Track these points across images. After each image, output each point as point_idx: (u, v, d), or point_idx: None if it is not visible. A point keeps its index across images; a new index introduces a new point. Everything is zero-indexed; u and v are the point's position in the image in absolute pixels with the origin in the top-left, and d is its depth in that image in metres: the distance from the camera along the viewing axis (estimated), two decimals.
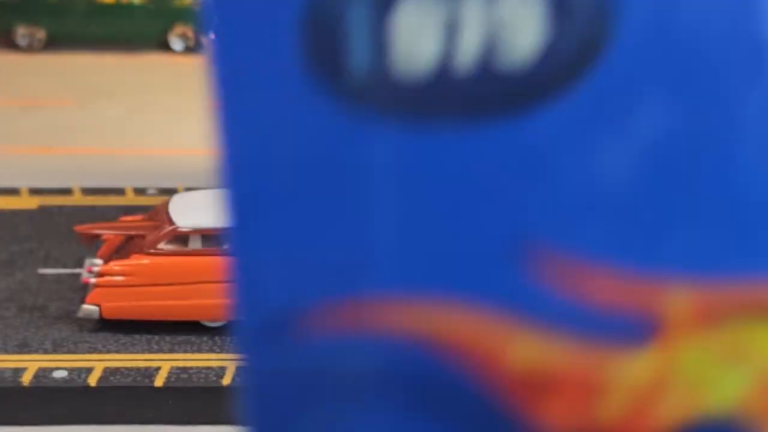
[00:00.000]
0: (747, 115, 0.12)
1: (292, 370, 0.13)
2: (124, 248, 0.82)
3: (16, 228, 0.87)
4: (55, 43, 1.35)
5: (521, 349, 0.13)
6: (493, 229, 0.13)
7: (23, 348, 0.75)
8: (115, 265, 0.80)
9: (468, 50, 0.12)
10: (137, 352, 0.76)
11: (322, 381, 0.13)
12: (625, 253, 0.13)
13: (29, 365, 0.70)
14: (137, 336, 0.78)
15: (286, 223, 0.13)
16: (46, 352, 0.73)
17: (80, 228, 0.83)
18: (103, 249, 0.83)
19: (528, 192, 0.13)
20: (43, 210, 0.91)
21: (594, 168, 0.13)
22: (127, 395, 0.73)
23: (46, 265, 0.85)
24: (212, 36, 0.12)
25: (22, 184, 0.89)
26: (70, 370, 0.72)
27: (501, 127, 0.12)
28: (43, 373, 0.70)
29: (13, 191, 0.90)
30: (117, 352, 0.76)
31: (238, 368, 0.13)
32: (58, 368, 0.72)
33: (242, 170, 0.13)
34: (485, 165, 0.12)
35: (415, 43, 0.12)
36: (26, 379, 0.69)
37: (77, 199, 0.96)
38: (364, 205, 0.13)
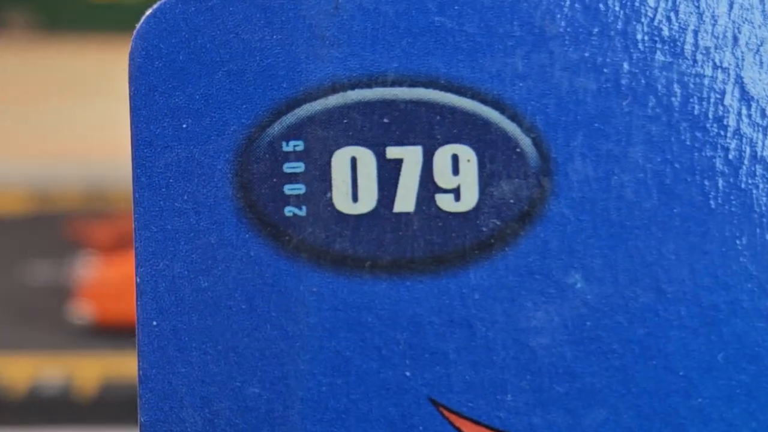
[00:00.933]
0: (682, 288, 0.13)
1: None
2: (122, 247, 0.76)
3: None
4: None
5: None
6: (409, 387, 0.13)
7: (14, 351, 0.66)
8: (110, 266, 0.74)
9: (405, 198, 0.12)
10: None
11: None
12: (540, 429, 0.13)
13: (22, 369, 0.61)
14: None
15: (209, 364, 0.13)
16: (37, 355, 0.63)
17: (73, 226, 0.77)
18: (99, 248, 0.77)
19: (449, 352, 0.13)
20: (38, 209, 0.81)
21: (519, 335, 0.13)
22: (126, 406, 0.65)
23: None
24: (138, 179, 0.12)
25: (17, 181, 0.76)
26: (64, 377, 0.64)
27: (428, 280, 0.13)
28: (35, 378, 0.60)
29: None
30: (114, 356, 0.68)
31: None
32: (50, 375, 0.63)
33: (160, 303, 0.13)
34: (408, 318, 0.13)
35: (350, 187, 0.12)
36: (19, 384, 0.59)
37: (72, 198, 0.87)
38: (284, 354, 0.13)
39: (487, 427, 0.13)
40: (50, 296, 0.73)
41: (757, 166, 0.13)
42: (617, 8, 0.13)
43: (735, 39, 0.13)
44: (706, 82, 0.13)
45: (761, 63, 0.13)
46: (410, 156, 0.13)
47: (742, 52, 0.13)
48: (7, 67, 0.85)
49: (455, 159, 0.13)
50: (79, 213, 0.86)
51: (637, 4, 0.13)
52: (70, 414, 0.62)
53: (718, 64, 0.13)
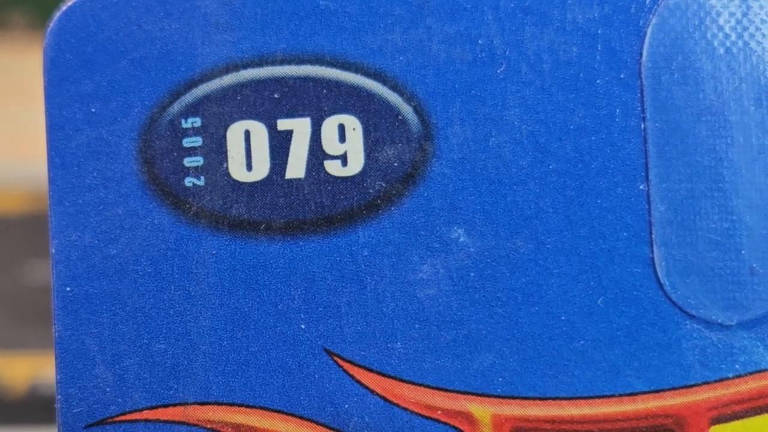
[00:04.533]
0: (559, 237, 0.14)
1: None
2: None
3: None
4: None
5: None
6: (304, 339, 0.13)
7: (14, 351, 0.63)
8: None
9: (296, 165, 0.14)
10: None
11: None
12: (432, 372, 0.13)
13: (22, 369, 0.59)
14: None
15: (118, 324, 0.14)
16: (37, 355, 0.61)
17: None
18: None
19: (341, 305, 0.14)
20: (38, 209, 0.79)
21: (407, 287, 0.14)
22: None
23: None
24: (52, 160, 0.14)
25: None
26: None
27: (319, 239, 0.14)
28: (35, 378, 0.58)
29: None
30: None
31: None
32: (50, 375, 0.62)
33: (73, 270, 0.14)
34: (301, 275, 0.13)
35: (245, 157, 0.13)
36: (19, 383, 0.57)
37: None
38: (187, 312, 0.14)
39: (379, 373, 0.13)
40: (50, 296, 0.71)
41: (629, 121, 0.14)
42: None
43: (601, 6, 0.14)
44: (575, 49, 0.14)
45: (628, 24, 0.14)
46: (299, 127, 0.14)
47: (610, 20, 0.14)
48: (8, 67, 0.85)
49: (341, 128, 0.14)
50: None
51: None
52: None
53: (586, 31, 0.14)
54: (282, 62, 0.14)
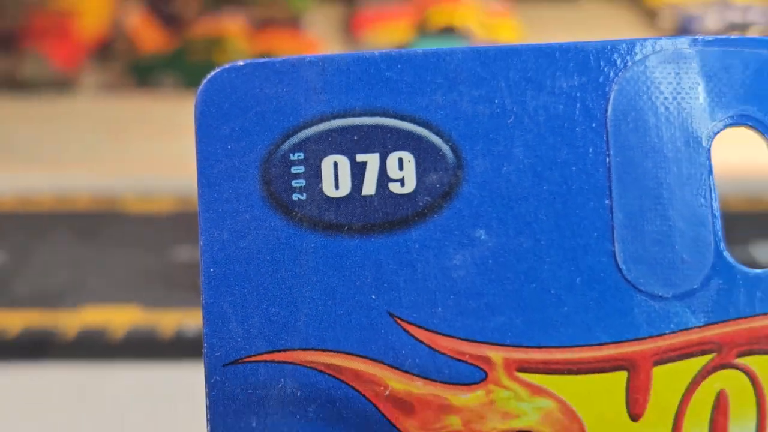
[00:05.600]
0: (550, 236, 0.20)
1: (243, 390, 0.19)
2: None
3: None
4: None
5: (394, 382, 0.19)
6: (374, 305, 0.20)
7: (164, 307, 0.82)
8: None
9: (369, 186, 0.20)
10: None
11: (264, 396, 0.19)
12: (469, 326, 0.20)
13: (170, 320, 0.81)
14: None
15: (246, 295, 0.20)
16: (180, 311, 0.83)
17: None
18: None
19: (399, 282, 0.20)
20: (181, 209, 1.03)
21: (445, 270, 0.20)
22: None
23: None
24: (200, 181, 0.20)
25: None
26: (199, 325, 0.80)
27: (385, 237, 0.20)
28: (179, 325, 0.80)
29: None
30: None
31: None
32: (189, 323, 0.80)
33: (215, 257, 0.20)
34: (372, 261, 0.20)
35: (334, 180, 0.20)
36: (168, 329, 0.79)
37: None
38: (293, 287, 0.20)
39: (425, 329, 0.19)
40: (190, 269, 0.87)
41: (598, 157, 0.20)
42: (499, 59, 0.20)
43: (579, 77, 0.20)
44: (561, 106, 0.20)
45: (598, 90, 0.20)
46: (371, 160, 0.20)
47: (585, 86, 0.20)
48: (161, 112, 1.24)
49: (400, 161, 0.20)
50: None
51: (511, 60, 0.20)
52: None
53: (569, 94, 0.20)
54: (360, 115, 0.20)
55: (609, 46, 0.20)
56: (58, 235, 0.95)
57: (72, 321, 0.80)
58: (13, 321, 0.79)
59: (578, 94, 0.20)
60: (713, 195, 0.20)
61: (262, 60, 0.20)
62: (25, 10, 1.49)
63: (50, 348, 0.77)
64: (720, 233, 0.20)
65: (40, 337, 0.78)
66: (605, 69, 0.20)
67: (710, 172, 0.20)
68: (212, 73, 0.20)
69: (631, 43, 0.20)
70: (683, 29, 1.50)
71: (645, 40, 0.20)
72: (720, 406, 0.19)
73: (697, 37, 0.20)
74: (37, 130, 1.25)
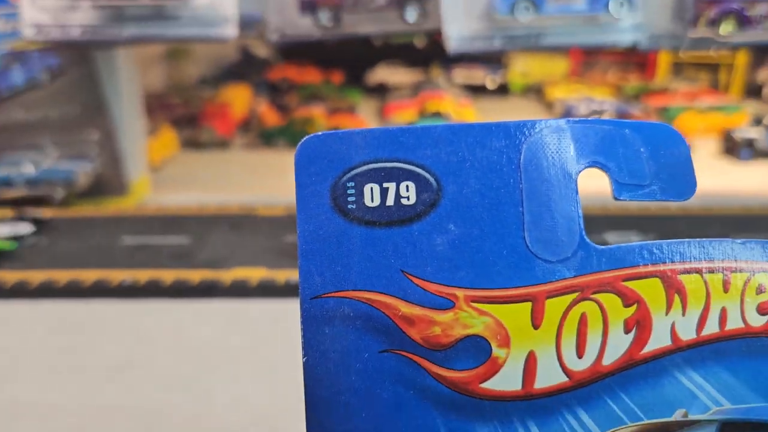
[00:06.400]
0: (490, 228, 0.36)
1: (321, 312, 0.35)
2: None
3: None
4: None
5: (403, 307, 0.35)
6: (392, 265, 0.36)
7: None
8: None
9: (390, 199, 0.36)
10: None
11: (332, 316, 0.35)
12: (444, 277, 0.36)
13: None
14: None
15: (323, 260, 0.36)
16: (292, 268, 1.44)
17: None
18: None
19: (407, 252, 0.36)
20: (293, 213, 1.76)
21: (432, 246, 0.36)
22: None
23: None
24: (299, 201, 0.36)
25: None
26: None
27: (398, 228, 0.36)
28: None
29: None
30: None
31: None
32: None
33: (306, 238, 0.36)
34: (392, 242, 0.36)
35: (371, 197, 0.36)
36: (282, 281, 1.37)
37: None
38: (348, 255, 0.36)
39: (421, 278, 0.35)
40: (293, 247, 1.50)
41: (517, 186, 0.36)
42: (462, 131, 0.36)
43: (504, 140, 0.36)
44: (495, 157, 0.36)
45: (516, 148, 0.36)
46: (391, 186, 0.36)
47: (509, 146, 0.36)
48: (276, 160, 2.43)
49: (407, 187, 0.36)
50: None
51: (469, 131, 0.36)
52: None
53: (499, 150, 0.36)
54: (384, 161, 0.36)
55: (521, 123, 0.36)
56: (219, 227, 1.65)
57: (228, 276, 1.38)
58: (194, 276, 1.37)
59: (504, 150, 0.36)
60: (578, 205, 0.36)
61: (332, 131, 0.36)
62: (202, 101, 2.79)
63: (216, 291, 1.34)
64: (582, 226, 0.36)
65: (210, 284, 1.35)
66: (519, 136, 0.36)
67: (576, 192, 0.36)
68: (305, 138, 0.37)
69: (533, 122, 0.36)
70: (566, 113, 2.76)
71: (541, 120, 0.36)
72: (582, 321, 0.35)
73: (570, 119, 0.36)
74: (208, 170, 2.29)
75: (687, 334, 0.35)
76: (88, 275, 1.34)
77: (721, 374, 0.35)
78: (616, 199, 0.36)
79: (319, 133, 0.37)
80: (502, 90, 3.38)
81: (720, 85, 3.23)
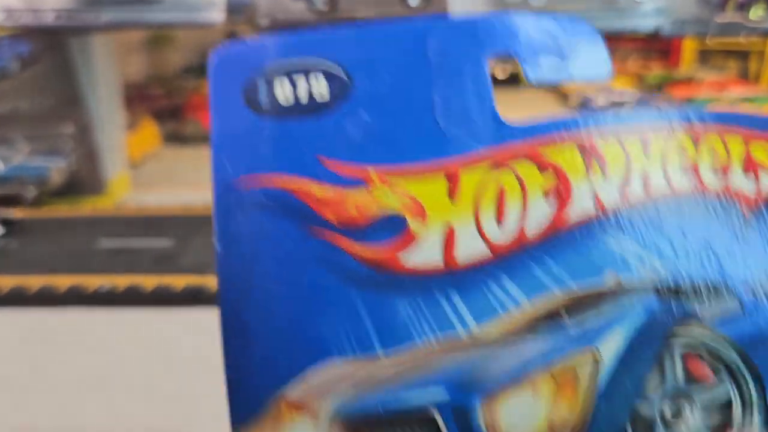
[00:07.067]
0: (403, 116, 0.36)
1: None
2: None
3: None
4: None
5: (317, 190, 0.35)
6: (307, 150, 0.35)
7: None
8: None
9: (300, 95, 0.36)
10: None
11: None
12: (357, 157, 0.35)
13: None
14: None
15: (240, 151, 0.36)
16: None
17: None
18: None
19: (320, 138, 0.36)
20: None
21: (347, 127, 0.36)
22: None
23: None
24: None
25: None
26: None
27: (314, 117, 0.36)
28: None
29: None
30: None
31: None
32: None
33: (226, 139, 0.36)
34: (316, 129, 0.36)
35: (285, 93, 0.36)
36: None
37: None
38: (260, 148, 0.36)
39: (333, 160, 0.35)
40: None
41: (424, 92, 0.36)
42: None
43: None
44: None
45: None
46: (301, 79, 0.37)
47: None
48: None
49: (317, 77, 0.37)
50: None
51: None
52: None
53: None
54: (295, 62, 0.37)
55: (430, 20, 0.37)
56: (205, 229, 1.46)
57: (214, 282, 1.30)
58: (178, 282, 1.26)
59: (413, 46, 0.37)
60: (490, 87, 0.36)
61: (244, 40, 0.37)
62: (186, 93, 2.51)
63: (201, 298, 1.23)
64: (494, 105, 0.36)
65: (195, 291, 1.23)
66: (428, 32, 0.37)
67: (486, 75, 0.36)
68: (218, 47, 0.38)
69: (443, 17, 0.37)
70: (583, 105, 2.53)
71: (449, 15, 0.37)
72: (500, 192, 0.35)
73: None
74: (192, 165, 2.02)
75: (611, 199, 0.34)
76: (63, 281, 1.25)
77: (650, 237, 0.34)
78: (530, 83, 0.36)
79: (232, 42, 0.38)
80: (513, 80, 3.12)
81: (750, 75, 2.93)
